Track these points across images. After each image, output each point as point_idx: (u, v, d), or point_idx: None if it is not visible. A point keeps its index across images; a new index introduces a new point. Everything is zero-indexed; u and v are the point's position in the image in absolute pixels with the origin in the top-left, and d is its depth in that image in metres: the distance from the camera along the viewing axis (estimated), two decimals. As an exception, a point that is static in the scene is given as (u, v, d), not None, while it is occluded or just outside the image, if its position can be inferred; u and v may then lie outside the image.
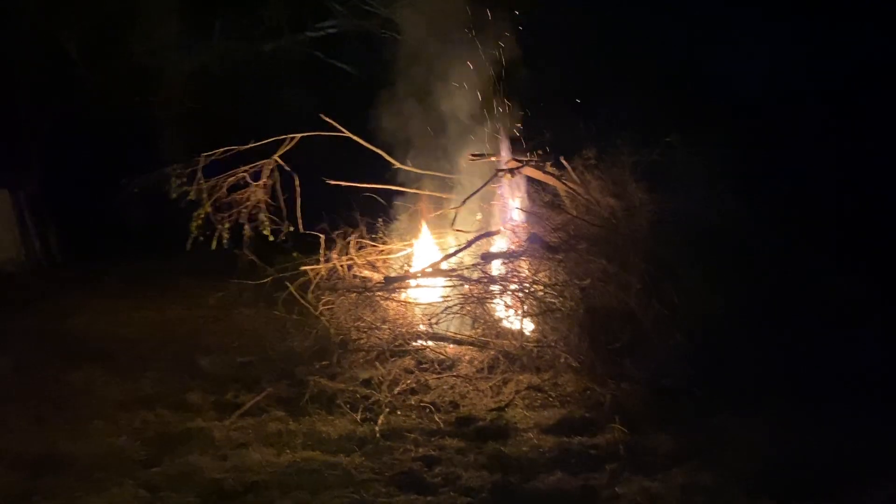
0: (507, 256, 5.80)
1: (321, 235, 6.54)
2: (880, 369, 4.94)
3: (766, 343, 5.42)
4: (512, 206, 6.35)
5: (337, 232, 6.54)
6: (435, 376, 5.21)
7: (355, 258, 6.48)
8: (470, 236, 6.09)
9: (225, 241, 6.37)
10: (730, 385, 4.77)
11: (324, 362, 5.43)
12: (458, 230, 6.21)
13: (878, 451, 3.99)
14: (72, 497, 3.61)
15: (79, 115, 11.52)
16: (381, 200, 7.00)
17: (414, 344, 5.70)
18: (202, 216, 6.30)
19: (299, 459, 3.97)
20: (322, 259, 6.50)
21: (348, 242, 6.53)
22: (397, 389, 4.94)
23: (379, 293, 6.03)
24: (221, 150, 6.40)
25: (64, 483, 3.74)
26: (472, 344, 5.64)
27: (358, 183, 6.86)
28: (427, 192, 7.00)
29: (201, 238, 6.40)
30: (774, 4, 9.15)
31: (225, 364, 5.57)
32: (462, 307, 5.67)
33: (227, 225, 6.34)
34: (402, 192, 7.11)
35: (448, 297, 5.82)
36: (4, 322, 6.84)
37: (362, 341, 5.72)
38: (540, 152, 6.70)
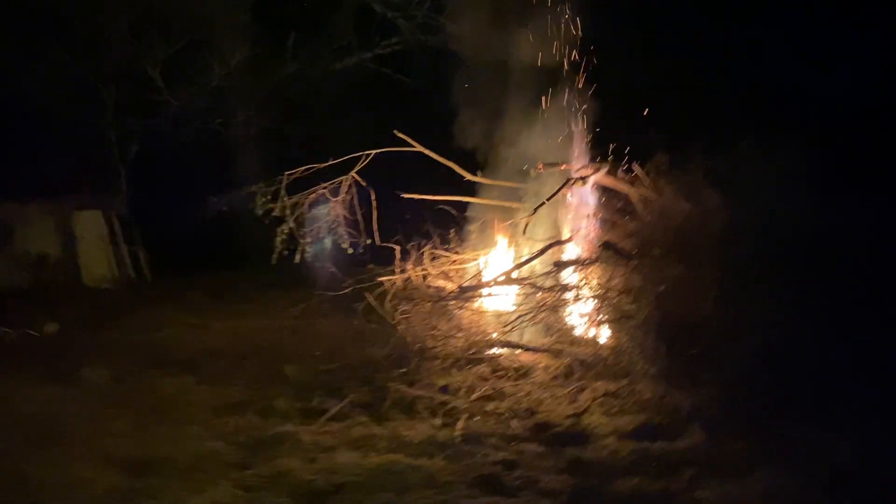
0: (580, 264, 5.83)
1: (397, 247, 6.70)
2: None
3: (846, 350, 5.28)
4: (584, 213, 6.38)
5: (411, 243, 6.69)
6: (511, 383, 5.30)
7: (429, 268, 6.61)
8: (542, 244, 6.14)
9: (307, 254, 6.60)
10: (808, 391, 4.68)
11: (402, 370, 5.59)
12: (530, 238, 6.27)
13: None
14: (174, 497, 3.82)
15: (161, 137, 12.12)
16: (454, 211, 7.12)
17: (489, 352, 5.80)
18: (286, 231, 6.55)
19: (384, 462, 4.10)
20: (398, 270, 6.66)
21: (422, 253, 6.67)
22: (474, 396, 5.04)
23: (453, 302, 6.15)
24: (303, 168, 6.65)
25: (166, 484, 3.96)
26: (546, 351, 5.70)
27: (431, 195, 7.01)
28: (498, 203, 7.08)
29: (285, 252, 6.66)
30: (850, 9, 8.91)
31: (308, 372, 5.78)
32: (535, 315, 5.73)
33: (308, 239, 6.57)
34: (473, 203, 7.22)
35: (521, 305, 5.89)
36: (103, 336, 7.27)
37: (438, 349, 5.85)
38: (612, 159, 6.70)
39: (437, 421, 4.67)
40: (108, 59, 11.36)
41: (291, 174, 6.59)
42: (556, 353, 5.61)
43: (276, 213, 6.55)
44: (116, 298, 9.55)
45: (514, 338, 5.75)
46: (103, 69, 11.40)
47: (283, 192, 6.53)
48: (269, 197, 6.54)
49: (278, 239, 6.55)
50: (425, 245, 6.72)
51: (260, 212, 6.60)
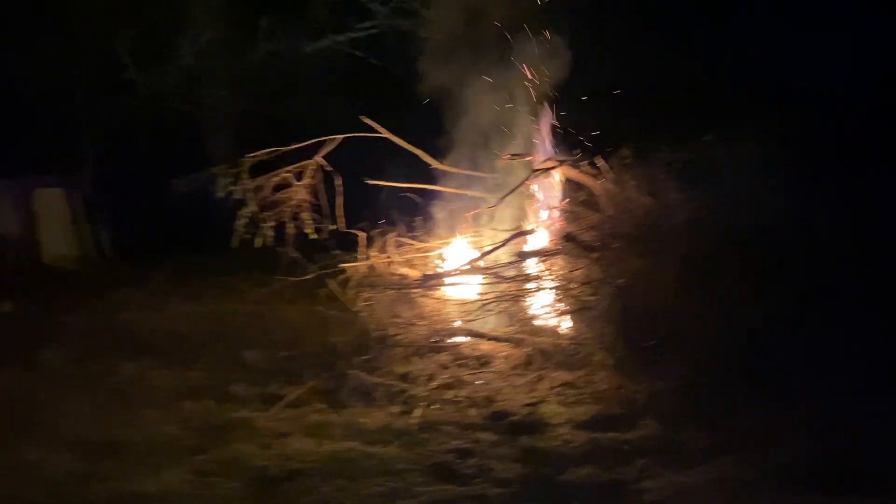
0: (543, 255, 5.88)
1: (361, 234, 6.68)
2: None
3: (806, 342, 5.37)
4: (547, 204, 6.42)
5: (376, 230, 6.68)
6: (471, 372, 5.34)
7: (394, 256, 6.61)
8: (506, 234, 6.18)
9: (270, 238, 6.55)
10: (765, 383, 4.76)
11: (363, 357, 5.58)
12: (494, 228, 6.30)
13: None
14: (127, 480, 3.80)
15: (129, 117, 11.91)
16: (420, 199, 7.11)
17: (450, 340, 5.83)
18: (248, 215, 6.49)
19: (339, 449, 4.12)
20: (362, 257, 6.65)
21: (386, 241, 6.66)
22: (434, 384, 5.07)
23: (416, 290, 6.17)
24: (265, 151, 6.60)
25: (120, 467, 3.94)
26: (507, 341, 5.74)
27: (397, 182, 6.99)
28: (464, 192, 7.08)
29: (248, 236, 6.60)
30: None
31: (269, 357, 5.77)
32: (498, 304, 5.77)
33: (271, 223, 6.52)
34: (439, 191, 7.22)
35: (484, 294, 5.92)
36: (62, 316, 7.14)
37: (400, 337, 5.86)
38: (576, 151, 6.74)
39: (395, 408, 4.70)
40: (76, 35, 11.12)
41: (253, 157, 6.53)
42: (517, 343, 5.66)
43: (236, 195, 6.49)
44: (77, 279, 9.40)
45: (475, 327, 5.78)
46: (72, 46, 11.15)
47: (245, 175, 6.46)
48: (231, 179, 6.49)
49: (239, 222, 6.49)
50: (390, 232, 6.70)
51: (221, 194, 6.54)
